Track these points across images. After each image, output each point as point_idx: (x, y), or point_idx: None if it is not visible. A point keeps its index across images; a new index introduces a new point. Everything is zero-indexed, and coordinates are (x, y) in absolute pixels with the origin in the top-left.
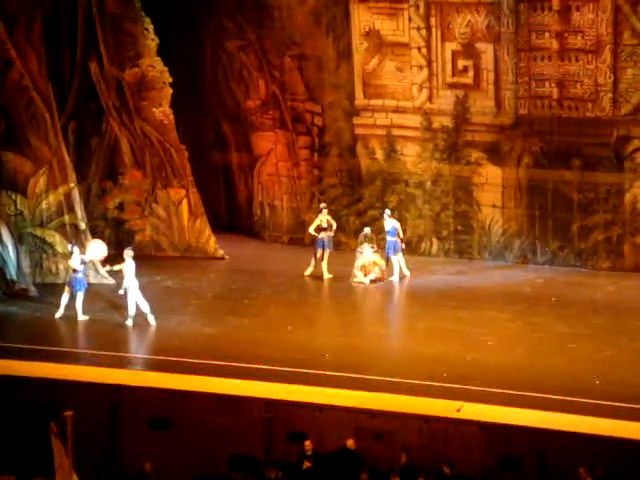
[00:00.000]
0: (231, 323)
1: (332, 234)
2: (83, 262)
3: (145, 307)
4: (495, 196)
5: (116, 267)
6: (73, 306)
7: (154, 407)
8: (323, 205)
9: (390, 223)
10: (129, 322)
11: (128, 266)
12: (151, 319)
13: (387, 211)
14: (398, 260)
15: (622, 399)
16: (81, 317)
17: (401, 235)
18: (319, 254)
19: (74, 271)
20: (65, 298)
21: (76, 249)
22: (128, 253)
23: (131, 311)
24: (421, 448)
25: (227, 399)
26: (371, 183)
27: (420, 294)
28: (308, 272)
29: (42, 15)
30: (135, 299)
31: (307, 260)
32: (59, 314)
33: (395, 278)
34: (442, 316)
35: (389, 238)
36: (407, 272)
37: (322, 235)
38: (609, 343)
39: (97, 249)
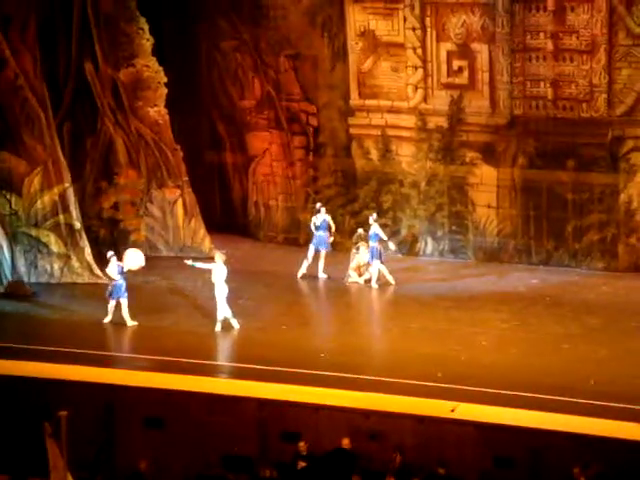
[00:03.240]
0: (225, 322)
1: (329, 234)
2: (121, 271)
3: (229, 313)
4: (490, 196)
5: (198, 264)
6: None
7: (149, 407)
8: (319, 205)
9: (372, 229)
10: (235, 324)
11: (218, 270)
12: (235, 323)
13: (373, 215)
14: (378, 266)
15: (616, 399)
16: (130, 323)
17: (384, 237)
18: (313, 253)
19: (112, 280)
20: (111, 305)
21: (113, 258)
22: (220, 257)
23: (227, 313)
24: (415, 448)
25: (222, 399)
26: (366, 183)
27: (414, 294)
28: (301, 274)
29: (37, 15)
30: (224, 301)
31: (302, 260)
32: (107, 319)
33: (374, 284)
34: (436, 316)
35: (371, 244)
36: (391, 279)
37: (319, 234)
38: (603, 343)
39: (134, 258)
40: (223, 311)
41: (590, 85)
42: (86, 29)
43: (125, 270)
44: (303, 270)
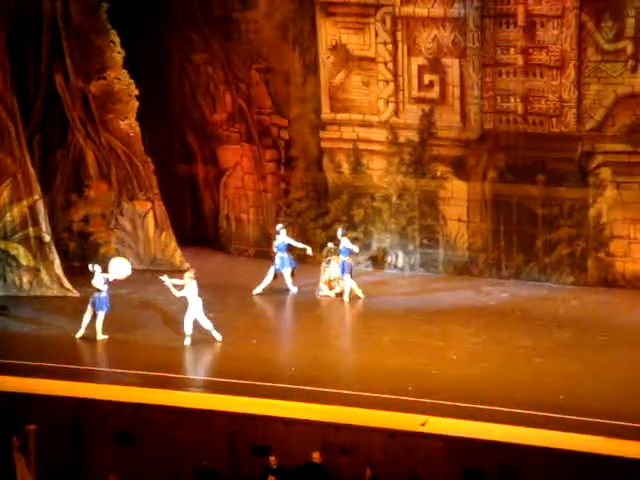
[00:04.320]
0: (196, 336)
1: (301, 250)
2: (107, 282)
3: (208, 325)
4: (460, 210)
5: (176, 281)
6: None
7: (118, 421)
8: (280, 226)
9: (342, 243)
10: (187, 342)
11: (190, 287)
12: (216, 335)
13: (340, 230)
14: (350, 281)
15: (586, 413)
16: (100, 336)
17: (355, 250)
18: (273, 274)
19: (97, 291)
20: (87, 317)
21: (97, 268)
22: (189, 275)
23: (187, 330)
24: (386, 462)
25: (192, 413)
26: (337, 197)
27: (385, 308)
28: (256, 292)
29: (7, 27)
30: (193, 318)
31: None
32: (80, 334)
33: (346, 298)
34: (407, 330)
35: (341, 258)
36: (360, 293)
37: (279, 256)
38: (573, 357)
39: (120, 268)
40: (204, 324)
41: (560, 100)
42: (56, 41)
43: (111, 280)
44: (259, 290)
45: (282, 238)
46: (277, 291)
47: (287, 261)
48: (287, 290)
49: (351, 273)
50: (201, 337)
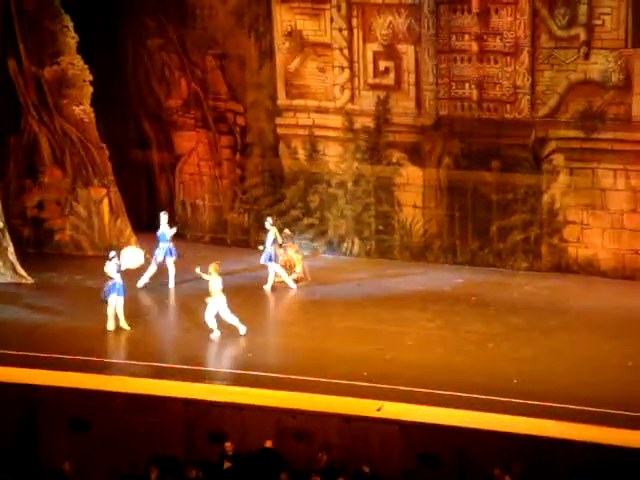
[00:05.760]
0: (151, 323)
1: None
2: (119, 270)
3: (234, 320)
4: (416, 196)
5: (205, 276)
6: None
7: (73, 407)
8: (162, 212)
9: (269, 233)
10: (215, 334)
11: (215, 281)
12: (216, 333)
13: (269, 219)
14: (274, 269)
15: (539, 397)
16: (123, 323)
17: (279, 240)
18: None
19: (110, 279)
20: (111, 308)
21: (115, 258)
22: (216, 268)
23: (212, 324)
24: (341, 447)
25: (147, 399)
26: (293, 183)
27: (341, 294)
28: (142, 283)
29: None
30: (216, 313)
31: (229, 259)
32: (124, 324)
33: (292, 285)
34: (363, 316)
35: (267, 247)
36: (269, 283)
37: (162, 246)
38: (526, 342)
39: (133, 256)
40: (229, 320)
41: (514, 87)
42: (9, 27)
43: (123, 269)
44: (145, 279)
45: (162, 227)
46: (233, 278)
47: (169, 251)
48: (166, 282)
49: (277, 261)
50: (156, 324)
